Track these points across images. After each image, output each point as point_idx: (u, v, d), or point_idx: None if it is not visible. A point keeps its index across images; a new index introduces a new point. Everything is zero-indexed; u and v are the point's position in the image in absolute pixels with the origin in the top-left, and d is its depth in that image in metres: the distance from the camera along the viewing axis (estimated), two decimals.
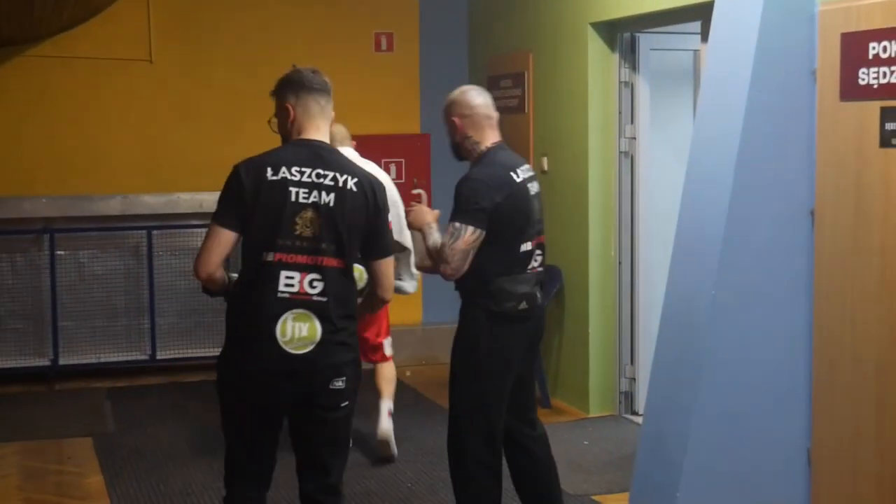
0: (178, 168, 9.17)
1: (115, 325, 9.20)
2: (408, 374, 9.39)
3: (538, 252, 5.17)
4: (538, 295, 5.18)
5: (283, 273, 4.22)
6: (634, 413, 7.84)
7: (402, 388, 8.94)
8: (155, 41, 9.25)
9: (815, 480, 5.58)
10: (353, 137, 9.69)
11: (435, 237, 4.99)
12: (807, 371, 5.56)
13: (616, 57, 7.78)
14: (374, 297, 4.53)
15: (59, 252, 9.06)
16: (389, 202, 4.61)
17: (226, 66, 9.40)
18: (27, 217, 9.06)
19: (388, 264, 4.43)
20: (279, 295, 4.22)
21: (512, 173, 5.05)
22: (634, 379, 7.87)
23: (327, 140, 4.43)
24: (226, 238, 4.25)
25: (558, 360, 8.27)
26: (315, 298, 4.23)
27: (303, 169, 4.27)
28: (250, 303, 4.26)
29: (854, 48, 5.14)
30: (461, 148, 5.13)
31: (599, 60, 7.82)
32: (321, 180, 4.27)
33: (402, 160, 9.68)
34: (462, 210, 4.88)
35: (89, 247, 9.19)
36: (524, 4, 8.79)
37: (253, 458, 4.45)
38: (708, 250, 5.50)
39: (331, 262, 4.25)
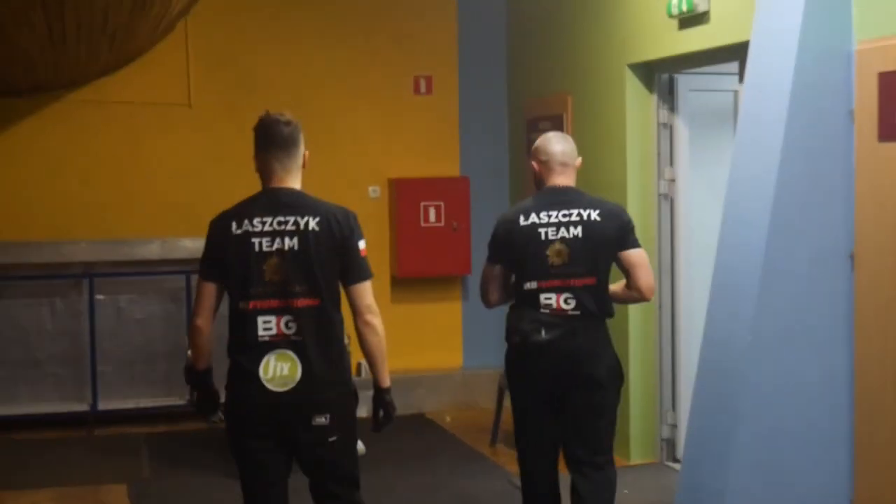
0: (217, 211, 8.98)
1: (154, 369, 9.15)
2: (448, 419, 9.30)
3: (550, 294, 5.25)
4: (536, 333, 5.24)
5: (260, 318, 4.47)
6: (676, 461, 7.67)
7: (441, 434, 8.88)
8: (194, 85, 9.27)
9: None
10: (393, 180, 9.70)
11: None
12: (848, 419, 5.43)
13: (654, 98, 7.69)
14: (356, 329, 4.57)
15: (98, 296, 9.05)
16: None
17: (262, 109, 9.34)
18: (66, 261, 9.07)
19: (361, 289, 4.55)
20: (259, 339, 4.47)
21: (522, 214, 5.31)
22: (676, 425, 7.71)
23: (297, 184, 4.61)
24: (209, 290, 4.55)
25: None
26: (293, 338, 4.46)
27: (264, 219, 4.49)
28: (237, 346, 4.52)
29: (893, 88, 5.04)
30: (537, 187, 5.47)
31: (637, 102, 7.74)
32: (282, 227, 4.48)
33: (442, 203, 9.59)
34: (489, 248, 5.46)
35: (128, 291, 9.19)
36: (562, 47, 8.73)
37: (260, 490, 4.64)
38: (744, 294, 5.40)
39: (304, 302, 4.46)
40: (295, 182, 4.62)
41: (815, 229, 5.39)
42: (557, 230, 5.23)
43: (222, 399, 4.68)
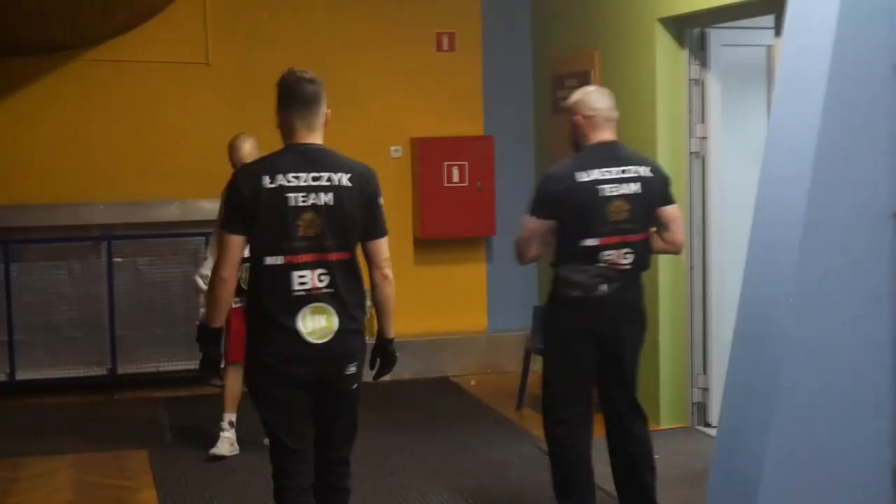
0: None
1: (174, 333, 9.05)
2: (472, 382, 9.20)
3: (611, 251, 5.40)
4: (600, 287, 5.42)
5: (295, 273, 4.54)
6: (707, 425, 7.56)
7: (466, 398, 8.78)
8: (212, 44, 9.13)
9: None
10: (415, 139, 9.55)
11: None
12: (891, 382, 5.25)
13: (685, 53, 7.53)
14: (372, 281, 4.76)
15: (116, 259, 8.98)
16: None
17: (283, 68, 9.17)
18: (84, 224, 8.99)
19: (382, 243, 4.73)
20: (294, 293, 4.54)
21: (577, 171, 5.37)
22: (707, 389, 7.58)
23: (320, 141, 4.69)
24: (236, 242, 4.57)
25: None
26: (326, 291, 4.57)
27: (298, 174, 4.55)
28: (270, 302, 4.56)
29: None
30: (578, 145, 5.49)
31: (668, 57, 7.58)
32: (317, 182, 4.56)
33: (466, 163, 9.45)
34: (530, 201, 5.44)
35: (147, 254, 9.11)
36: (589, 1, 8.54)
37: (292, 438, 4.69)
38: (784, 256, 5.21)
39: (336, 256, 4.58)
40: (318, 139, 4.69)
41: (858, 187, 5.17)
42: (618, 186, 5.37)
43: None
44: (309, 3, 9.35)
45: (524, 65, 9.74)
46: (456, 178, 9.37)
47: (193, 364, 8.82)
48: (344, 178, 4.59)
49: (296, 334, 4.54)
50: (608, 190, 5.34)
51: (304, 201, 4.53)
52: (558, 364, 5.58)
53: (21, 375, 8.82)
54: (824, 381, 5.20)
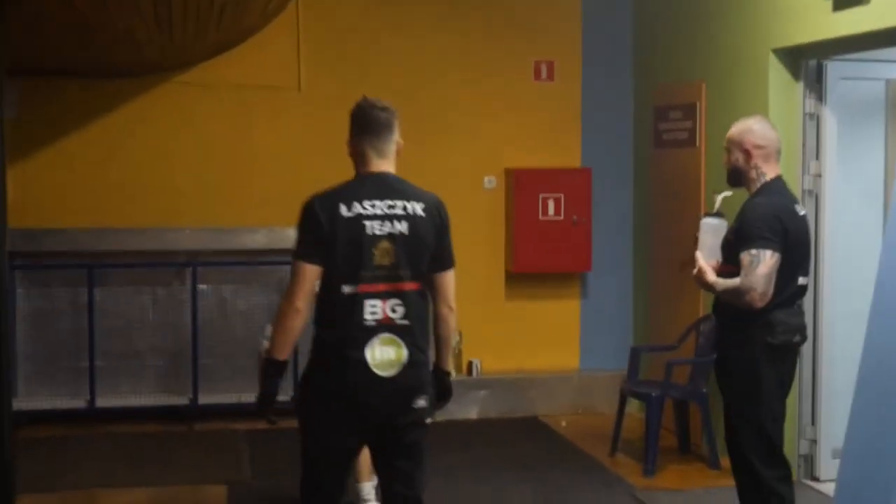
0: None
1: (257, 363, 8.78)
2: (563, 424, 8.89)
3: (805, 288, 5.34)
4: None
5: (368, 302, 4.47)
6: (815, 479, 7.14)
7: (556, 439, 8.44)
8: (304, 68, 8.92)
9: None
10: (510, 170, 9.28)
11: (726, 284, 5.15)
12: None
13: (800, 86, 7.17)
14: (437, 313, 4.68)
15: (201, 286, 8.81)
16: None
17: (377, 94, 8.86)
18: (170, 249, 8.83)
19: (450, 276, 4.67)
20: (366, 323, 4.47)
21: (796, 206, 5.32)
22: (815, 441, 7.16)
23: (392, 169, 4.66)
24: (312, 272, 4.49)
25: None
26: (398, 322, 4.51)
27: (374, 202, 4.51)
28: (338, 331, 4.49)
29: None
30: (745, 176, 5.33)
31: (782, 90, 7.23)
32: (392, 210, 4.52)
33: (562, 195, 9.12)
34: (758, 236, 5.08)
35: (232, 281, 8.92)
36: (696, 30, 8.23)
37: (332, 478, 4.64)
38: None
39: (409, 286, 4.54)
40: (390, 168, 4.67)
41: None
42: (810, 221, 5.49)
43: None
44: (404, 29, 9.12)
45: (625, 95, 9.43)
46: (551, 211, 9.07)
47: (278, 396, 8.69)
48: (418, 208, 4.57)
49: (363, 366, 4.46)
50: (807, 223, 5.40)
51: (380, 230, 4.50)
52: (765, 414, 5.31)
53: (101, 403, 8.64)
54: None
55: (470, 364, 9.20)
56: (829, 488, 6.71)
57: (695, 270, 5.29)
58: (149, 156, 8.82)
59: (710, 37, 8.03)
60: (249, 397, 8.69)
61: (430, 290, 4.64)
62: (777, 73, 7.22)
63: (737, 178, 5.37)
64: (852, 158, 7.22)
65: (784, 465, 5.37)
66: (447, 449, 8.10)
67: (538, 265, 9.21)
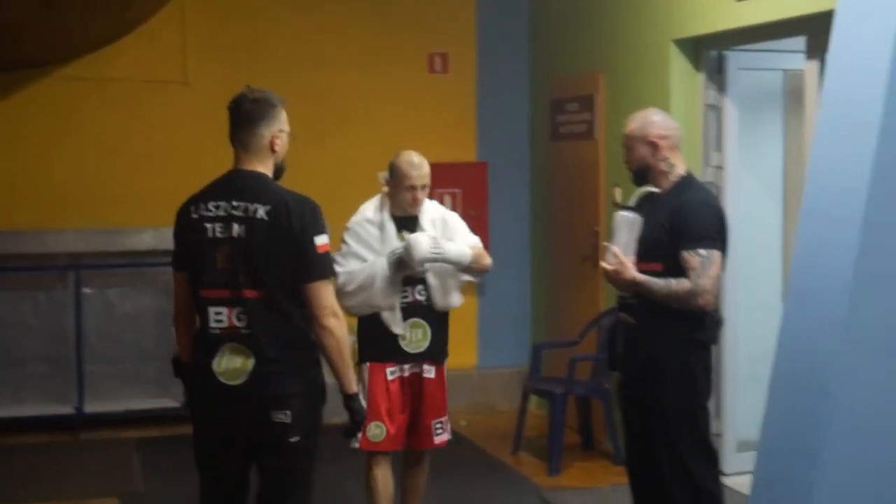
0: None
1: (146, 369, 8.64)
2: (463, 423, 8.76)
3: None
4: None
5: (212, 309, 4.32)
6: (721, 473, 7.08)
7: (457, 439, 8.29)
8: (191, 62, 8.67)
9: None
10: None
11: (660, 283, 4.93)
12: None
13: (702, 77, 7.17)
14: (314, 330, 4.38)
15: (85, 290, 8.54)
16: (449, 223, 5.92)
17: (267, 88, 8.75)
18: (51, 252, 8.52)
19: (315, 288, 4.32)
20: (212, 331, 4.32)
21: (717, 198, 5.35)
22: (720, 435, 7.12)
23: (262, 166, 4.42)
24: (178, 280, 4.44)
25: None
26: (243, 331, 4.30)
27: (218, 203, 4.32)
28: (197, 338, 4.41)
29: None
30: (653, 171, 5.11)
31: (682, 81, 7.21)
32: (234, 212, 4.30)
33: (458, 190, 9.06)
34: (705, 236, 4.92)
35: (118, 284, 8.66)
36: (594, 20, 8.19)
37: (203, 488, 4.54)
38: (833, 302, 4.76)
39: (249, 293, 4.28)
40: (260, 165, 4.42)
41: None
42: None
43: None
44: (294, 20, 8.92)
45: (521, 88, 9.37)
46: (448, 205, 8.90)
47: (165, 402, 8.47)
48: (261, 210, 4.28)
49: (210, 374, 4.30)
50: None
51: (221, 233, 4.30)
52: (703, 406, 5.18)
53: None
54: (880, 443, 4.77)
55: None
56: (735, 482, 6.73)
57: (610, 266, 5.03)
58: (29, 154, 8.51)
59: (609, 27, 8.00)
60: (138, 404, 8.53)
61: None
62: (678, 64, 7.21)
63: (643, 175, 5.14)
64: (752, 149, 7.25)
65: (716, 462, 5.28)
66: (345, 450, 7.91)
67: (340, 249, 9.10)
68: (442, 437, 5.89)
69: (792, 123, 7.23)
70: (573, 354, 7.68)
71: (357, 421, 4.54)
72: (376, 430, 5.66)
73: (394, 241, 5.67)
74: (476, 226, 8.91)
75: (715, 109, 7.13)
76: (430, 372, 5.75)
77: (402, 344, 5.64)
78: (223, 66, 8.61)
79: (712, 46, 7.06)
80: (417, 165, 5.80)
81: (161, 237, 8.47)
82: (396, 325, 5.63)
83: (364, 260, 5.64)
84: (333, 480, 6.47)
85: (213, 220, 4.29)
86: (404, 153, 5.94)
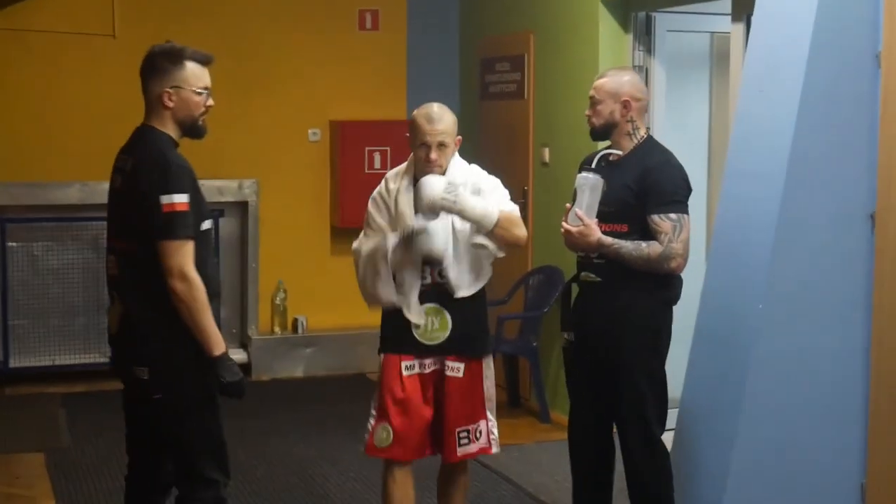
0: None
1: (72, 324, 8.57)
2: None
3: None
4: None
5: (108, 256, 4.40)
6: None
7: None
8: (118, 14, 8.54)
9: None
10: (335, 123, 9.15)
11: (629, 246, 4.76)
12: (863, 396, 5.01)
13: (630, 38, 7.22)
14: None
15: (10, 244, 8.44)
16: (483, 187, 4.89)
17: (196, 43, 8.59)
18: None
19: (162, 248, 4.15)
20: (108, 277, 4.40)
21: None
22: None
23: (157, 122, 4.33)
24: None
25: (558, 370, 7.63)
26: (117, 278, 4.33)
27: (119, 155, 4.38)
28: None
29: None
30: (617, 130, 4.94)
31: (611, 42, 7.24)
32: (119, 164, 4.35)
33: (388, 149, 9.02)
34: (676, 200, 4.79)
35: (44, 238, 8.55)
36: None
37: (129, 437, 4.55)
38: (753, 259, 4.93)
39: (120, 244, 4.32)
40: (154, 120, 4.33)
41: (835, 186, 4.95)
42: None
43: None
44: None
45: (451, 47, 9.37)
46: (378, 164, 8.96)
47: (92, 357, 8.45)
48: (129, 164, 4.27)
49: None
50: None
51: (112, 184, 4.38)
52: (660, 371, 5.01)
53: None
54: (793, 393, 4.98)
55: (295, 321, 9.08)
56: None
57: (574, 228, 4.79)
58: None
59: None
60: (65, 359, 8.50)
61: None
62: (606, 25, 7.23)
63: (605, 131, 4.94)
64: (679, 109, 7.34)
65: (666, 420, 5.04)
66: (274, 408, 7.99)
67: (364, 219, 9.08)
68: (469, 449, 4.93)
69: (718, 85, 7.31)
70: (501, 313, 7.76)
71: (222, 386, 4.25)
72: (382, 433, 4.84)
73: (408, 214, 4.83)
74: None
75: (643, 70, 7.16)
76: (455, 369, 4.84)
77: (416, 334, 4.79)
78: (151, 20, 8.53)
79: (640, 7, 7.10)
80: (433, 118, 4.85)
81: (89, 191, 8.44)
82: (410, 310, 4.83)
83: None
84: (351, 495, 6.31)
85: (114, 171, 4.37)
86: (425, 105, 4.98)
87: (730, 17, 6.34)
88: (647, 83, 7.17)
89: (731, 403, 4.95)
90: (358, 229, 9.02)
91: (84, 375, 8.44)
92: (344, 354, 9.08)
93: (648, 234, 4.76)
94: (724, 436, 4.96)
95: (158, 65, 4.31)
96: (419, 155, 4.83)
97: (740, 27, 6.08)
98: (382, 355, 4.92)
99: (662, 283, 4.82)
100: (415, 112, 4.91)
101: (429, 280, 4.79)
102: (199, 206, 4.29)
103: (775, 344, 4.91)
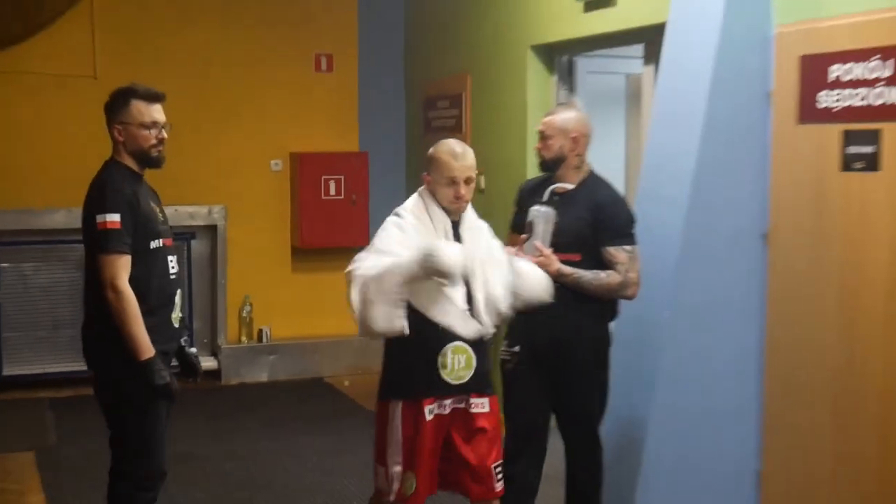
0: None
1: (59, 335, 8.41)
2: (346, 383, 8.83)
3: None
4: None
5: None
6: None
7: (340, 398, 8.38)
8: (99, 58, 8.47)
9: (764, 500, 5.08)
10: (294, 154, 9.13)
11: (588, 276, 4.64)
12: (757, 392, 5.07)
13: (554, 79, 7.25)
14: None
15: (3, 264, 8.32)
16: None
17: (170, 83, 8.58)
18: None
19: (100, 261, 4.16)
20: None
21: None
22: None
23: (113, 154, 4.44)
24: None
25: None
26: (83, 292, 4.42)
27: None
28: None
29: (814, 71, 4.63)
30: (564, 164, 4.79)
31: (538, 82, 7.28)
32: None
33: (342, 177, 9.02)
34: (629, 232, 4.68)
35: (33, 259, 8.43)
36: (462, 27, 8.24)
37: None
38: (662, 272, 4.98)
39: (86, 258, 4.31)
40: (115, 152, 4.42)
41: (732, 208, 5.01)
42: None
43: None
44: (195, 20, 8.79)
45: (398, 85, 9.39)
46: (333, 191, 8.97)
47: (78, 365, 8.19)
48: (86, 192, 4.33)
49: None
50: None
51: None
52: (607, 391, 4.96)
53: None
54: (696, 390, 5.02)
55: (260, 331, 9.03)
56: None
57: (535, 258, 4.57)
58: None
59: (474, 33, 8.03)
60: (53, 367, 8.39)
61: None
62: (534, 67, 7.26)
63: (555, 164, 4.77)
64: (598, 142, 7.30)
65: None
66: (241, 410, 7.95)
67: (321, 240, 9.08)
68: (501, 485, 4.37)
69: (632, 120, 7.36)
70: None
71: (155, 387, 4.17)
72: (410, 482, 4.22)
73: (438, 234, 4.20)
74: (358, 209, 9.06)
75: None
76: (481, 405, 4.25)
77: (443, 374, 4.13)
78: (129, 63, 8.44)
79: (564, 52, 7.13)
80: (459, 154, 4.19)
81: (72, 217, 8.25)
82: (456, 318, 4.14)
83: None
84: (311, 483, 6.22)
85: None
86: (444, 142, 4.31)
87: (642, 61, 6.39)
88: None
89: (644, 400, 4.99)
90: (316, 249, 9.18)
91: (70, 382, 8.29)
92: (303, 361, 9.05)
93: (601, 262, 4.65)
94: (638, 429, 4.99)
95: (110, 104, 4.37)
96: (446, 191, 4.17)
97: (651, 69, 6.15)
98: (395, 401, 4.21)
99: (606, 304, 4.76)
100: (436, 150, 4.24)
101: None
102: (145, 227, 4.25)
103: (681, 347, 4.96)
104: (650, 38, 5.98)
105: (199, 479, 6.24)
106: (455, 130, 8.23)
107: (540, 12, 7.13)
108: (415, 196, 4.30)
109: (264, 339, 9.03)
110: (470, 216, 4.31)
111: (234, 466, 6.54)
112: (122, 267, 4.14)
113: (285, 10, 9.02)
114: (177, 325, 4.45)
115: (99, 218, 4.17)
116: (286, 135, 9.12)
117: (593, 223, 4.66)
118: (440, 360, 4.09)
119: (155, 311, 4.26)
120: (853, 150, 4.46)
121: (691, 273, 4.95)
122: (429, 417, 4.14)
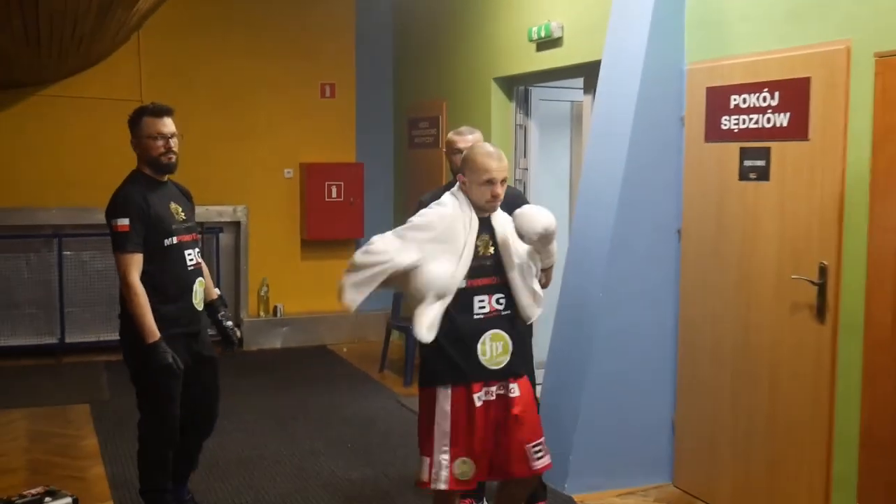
0: None
1: (113, 309, 8.15)
2: (344, 350, 8.83)
3: None
4: None
5: None
6: None
7: (339, 362, 8.38)
8: (145, 84, 8.46)
9: (677, 444, 5.12)
10: (303, 164, 9.13)
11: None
12: (673, 357, 5.10)
13: (513, 105, 7.26)
14: None
15: (65, 252, 8.30)
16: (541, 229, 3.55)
17: (202, 105, 8.69)
18: (40, 224, 8.27)
19: (115, 258, 4.12)
20: None
21: None
22: None
23: (137, 163, 4.30)
24: None
25: None
26: None
27: None
28: None
29: (718, 99, 4.66)
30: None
31: (500, 108, 7.29)
32: None
33: (342, 183, 9.01)
34: None
35: (90, 248, 8.40)
36: (439, 62, 8.23)
37: None
38: (596, 260, 5.00)
39: None
40: (138, 162, 4.28)
41: (653, 209, 5.03)
42: None
43: None
44: (224, 53, 8.74)
45: (387, 109, 9.36)
46: (334, 194, 8.96)
47: None
48: None
49: None
50: None
51: None
52: None
53: None
54: (624, 356, 5.04)
55: (275, 307, 9.03)
56: None
57: None
58: (23, 152, 8.20)
59: (449, 67, 8.03)
60: (107, 336, 8.35)
61: None
62: (497, 95, 7.27)
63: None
64: (549, 157, 7.38)
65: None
66: (259, 371, 7.96)
67: (325, 234, 9.07)
68: (545, 461, 3.69)
69: (575, 138, 7.36)
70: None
71: (158, 366, 4.04)
72: (464, 467, 3.59)
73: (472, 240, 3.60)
74: (354, 209, 9.06)
75: (522, 128, 7.22)
76: (516, 389, 3.65)
77: (483, 360, 3.57)
78: (169, 88, 8.43)
79: (521, 84, 7.15)
80: (495, 156, 3.63)
81: None
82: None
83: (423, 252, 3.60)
84: (315, 430, 6.19)
85: None
86: (477, 144, 3.82)
87: (582, 91, 6.42)
88: (525, 139, 7.22)
89: (580, 365, 5.00)
90: (320, 241, 9.17)
91: (121, 348, 8.32)
92: (310, 331, 9.04)
93: None
94: (575, 390, 5.00)
95: (129, 122, 4.24)
96: (483, 191, 3.58)
97: (589, 98, 6.17)
98: (444, 388, 3.59)
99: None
100: (472, 152, 3.66)
101: (486, 308, 3.57)
102: (157, 228, 4.12)
103: (611, 321, 4.98)
104: (589, 72, 6.01)
105: (226, 428, 6.25)
106: (433, 146, 8.23)
107: (501, 50, 7.14)
108: (448, 194, 3.72)
109: (278, 314, 9.02)
110: (501, 213, 3.72)
111: (253, 418, 6.55)
112: (132, 264, 4.03)
113: (296, 46, 9.00)
114: (200, 309, 4.31)
115: (112, 222, 4.09)
116: (297, 148, 9.12)
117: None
118: (479, 347, 3.55)
119: (174, 299, 4.14)
120: (748, 163, 4.49)
121: (620, 262, 4.97)
122: (478, 404, 3.57)
